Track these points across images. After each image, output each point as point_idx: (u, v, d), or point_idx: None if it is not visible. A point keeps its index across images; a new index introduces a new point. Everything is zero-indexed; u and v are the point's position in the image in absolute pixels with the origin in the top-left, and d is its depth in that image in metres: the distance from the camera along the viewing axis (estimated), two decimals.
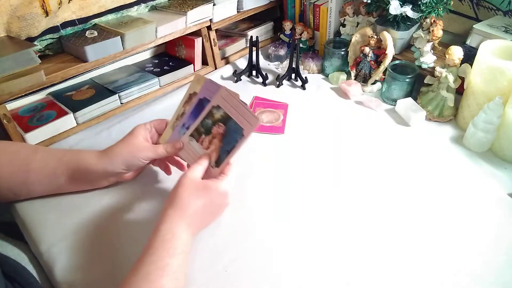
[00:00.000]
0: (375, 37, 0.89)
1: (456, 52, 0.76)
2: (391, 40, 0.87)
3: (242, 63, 1.05)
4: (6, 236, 0.61)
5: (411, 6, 0.84)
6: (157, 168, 0.71)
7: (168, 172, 0.69)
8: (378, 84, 0.92)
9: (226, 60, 1.06)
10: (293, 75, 0.99)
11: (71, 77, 0.84)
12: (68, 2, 0.80)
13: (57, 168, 0.61)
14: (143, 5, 0.94)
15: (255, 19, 1.12)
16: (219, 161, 0.60)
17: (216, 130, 0.60)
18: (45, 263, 0.57)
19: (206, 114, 0.60)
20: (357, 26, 0.98)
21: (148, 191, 0.68)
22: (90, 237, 0.60)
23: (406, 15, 0.85)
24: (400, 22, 0.89)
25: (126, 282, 0.46)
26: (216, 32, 1.01)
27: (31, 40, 0.77)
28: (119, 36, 0.81)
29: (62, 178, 0.62)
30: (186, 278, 0.50)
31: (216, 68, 1.04)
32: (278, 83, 0.97)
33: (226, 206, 0.60)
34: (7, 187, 0.61)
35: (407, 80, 0.84)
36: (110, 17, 0.89)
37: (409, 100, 0.83)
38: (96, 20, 0.87)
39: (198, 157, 0.60)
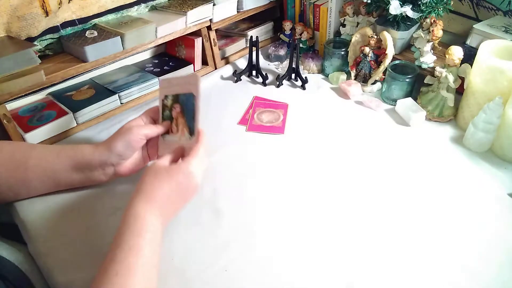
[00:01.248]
0: (375, 37, 0.89)
1: (456, 52, 0.76)
2: (391, 40, 0.87)
3: (242, 63, 1.05)
4: (1, 236, 0.61)
5: (411, 6, 0.84)
6: None
7: None
8: (378, 84, 0.92)
9: (226, 60, 1.06)
10: (293, 75, 0.99)
11: (71, 77, 0.84)
12: (68, 2, 0.80)
13: (55, 163, 0.62)
14: (143, 5, 0.94)
15: (255, 19, 1.12)
16: (191, 131, 0.61)
17: (175, 112, 0.64)
18: (44, 263, 0.57)
19: (162, 108, 0.65)
20: (357, 26, 0.98)
21: None
22: (90, 237, 0.60)
23: (406, 15, 0.85)
24: (400, 22, 0.89)
25: (103, 268, 0.46)
26: (216, 32, 1.01)
27: (31, 40, 0.77)
28: (119, 36, 0.81)
29: (60, 174, 0.62)
30: (157, 259, 0.50)
31: (216, 68, 1.04)
32: (278, 83, 0.97)
33: (195, 188, 0.57)
34: (7, 186, 0.61)
35: (407, 80, 0.84)
36: (110, 17, 0.89)
37: (409, 100, 0.83)
38: (96, 20, 0.87)
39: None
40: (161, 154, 0.65)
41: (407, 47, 0.94)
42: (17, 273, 0.54)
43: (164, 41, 0.91)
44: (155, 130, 0.65)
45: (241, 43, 1.09)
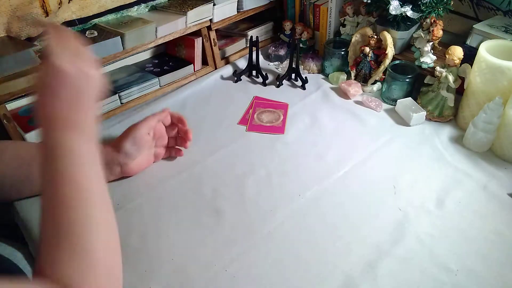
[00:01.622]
0: (375, 37, 0.89)
1: (456, 52, 0.76)
2: (391, 40, 0.87)
3: (242, 63, 1.05)
4: (2, 237, 0.61)
5: (411, 6, 0.84)
6: (159, 168, 0.71)
7: (179, 153, 0.74)
8: (378, 84, 0.92)
9: (226, 60, 1.06)
10: (293, 75, 0.99)
11: None
12: (68, 2, 0.80)
13: None
14: (143, 5, 0.94)
15: (255, 19, 1.12)
16: None
17: None
18: None
19: None
20: (357, 26, 0.98)
21: (148, 189, 0.68)
22: None
23: (406, 15, 0.85)
24: (400, 22, 0.89)
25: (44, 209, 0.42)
26: (216, 32, 1.01)
27: (31, 40, 0.77)
28: (119, 36, 0.81)
29: None
30: (99, 175, 0.44)
31: (216, 68, 1.04)
32: (278, 83, 0.97)
33: (74, 73, 0.43)
34: (10, 184, 0.61)
35: (407, 80, 0.84)
36: (110, 17, 0.89)
37: (409, 100, 0.83)
38: (96, 20, 0.87)
39: None
40: None
41: (407, 47, 0.94)
42: (17, 272, 0.54)
43: (164, 41, 0.91)
44: (155, 118, 0.68)
45: (241, 43, 1.09)
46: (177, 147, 0.75)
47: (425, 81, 0.85)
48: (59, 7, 0.78)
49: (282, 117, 0.85)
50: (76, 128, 0.43)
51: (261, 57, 1.02)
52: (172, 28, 0.90)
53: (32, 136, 0.76)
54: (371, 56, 0.90)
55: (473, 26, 0.83)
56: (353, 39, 0.93)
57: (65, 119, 0.43)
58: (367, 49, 0.89)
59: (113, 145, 0.65)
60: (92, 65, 0.45)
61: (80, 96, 0.44)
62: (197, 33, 0.97)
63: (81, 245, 0.39)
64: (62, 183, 0.41)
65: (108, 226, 0.42)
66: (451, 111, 0.81)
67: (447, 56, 0.77)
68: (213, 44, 1.00)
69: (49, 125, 0.42)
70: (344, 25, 1.00)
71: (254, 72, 1.00)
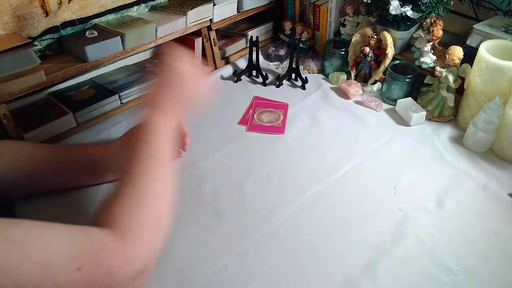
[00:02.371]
0: (375, 37, 0.89)
1: (456, 52, 0.76)
2: (391, 40, 0.87)
3: (242, 63, 1.05)
4: None
5: (411, 6, 0.84)
6: None
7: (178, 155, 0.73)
8: (378, 84, 0.92)
9: (226, 60, 1.06)
10: (293, 75, 0.99)
11: (71, 77, 0.84)
12: (68, 2, 0.80)
13: (62, 160, 0.62)
14: (143, 5, 0.94)
15: (255, 19, 1.12)
16: None
17: None
18: None
19: None
20: (357, 26, 0.98)
21: None
22: None
23: (406, 15, 0.85)
24: (400, 22, 0.89)
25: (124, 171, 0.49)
26: (216, 32, 1.01)
27: (31, 40, 0.77)
28: (119, 36, 0.81)
29: (67, 171, 0.62)
30: (170, 154, 0.52)
31: (216, 68, 1.04)
32: (278, 83, 0.97)
33: (186, 74, 0.59)
34: (10, 184, 0.61)
35: (407, 80, 0.84)
36: (110, 17, 0.89)
37: (409, 100, 0.83)
38: (96, 20, 0.87)
39: None
40: None
41: (407, 47, 0.94)
42: None
43: (164, 41, 0.91)
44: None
45: (241, 43, 1.09)
46: (176, 148, 0.75)
47: (425, 81, 0.85)
48: (59, 7, 0.78)
49: (282, 117, 0.85)
50: (169, 115, 0.55)
51: (261, 57, 1.02)
52: (172, 28, 0.90)
53: (32, 136, 0.76)
54: (371, 56, 0.90)
55: (473, 26, 0.83)
56: (353, 39, 0.93)
57: (164, 105, 0.56)
58: (367, 49, 0.89)
59: (117, 144, 0.64)
60: (198, 72, 0.60)
61: (181, 92, 0.58)
62: (197, 33, 0.97)
63: (142, 200, 0.46)
64: (142, 145, 0.50)
65: (166, 190, 0.49)
66: (451, 111, 0.81)
67: (447, 56, 0.77)
68: (213, 44, 1.00)
69: (152, 106, 0.55)
70: (344, 25, 1.00)
71: (254, 72, 1.00)
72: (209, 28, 0.98)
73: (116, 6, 0.89)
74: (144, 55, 1.02)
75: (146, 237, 0.44)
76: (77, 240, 0.39)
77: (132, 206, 0.45)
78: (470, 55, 0.78)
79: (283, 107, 0.89)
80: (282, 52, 1.05)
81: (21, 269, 0.33)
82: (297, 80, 0.98)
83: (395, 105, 0.86)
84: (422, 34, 0.85)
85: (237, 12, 1.03)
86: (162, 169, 0.50)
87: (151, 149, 0.50)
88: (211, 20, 0.97)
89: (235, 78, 0.99)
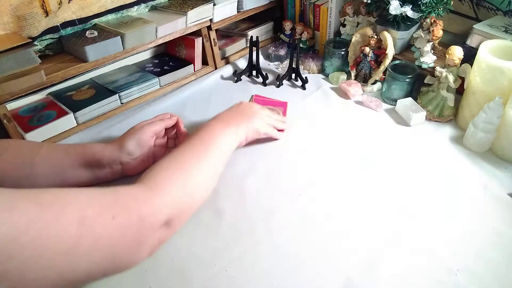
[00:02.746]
0: (375, 37, 0.89)
1: (456, 52, 0.76)
2: (391, 40, 0.87)
3: (242, 63, 1.05)
4: None
5: (411, 6, 0.84)
6: None
7: None
8: (378, 84, 0.92)
9: (226, 60, 1.06)
10: (293, 75, 0.99)
11: (71, 77, 0.84)
12: (68, 2, 0.80)
13: (63, 159, 0.62)
14: (143, 5, 0.94)
15: (255, 19, 1.12)
16: None
17: None
18: None
19: None
20: (357, 26, 0.98)
21: None
22: None
23: (406, 15, 0.85)
24: (400, 22, 0.89)
25: (160, 164, 0.52)
26: (216, 32, 1.01)
27: (31, 40, 0.77)
28: (119, 36, 0.81)
29: (68, 171, 0.63)
30: (221, 166, 0.60)
31: (216, 68, 1.04)
32: (278, 83, 0.97)
33: (256, 111, 0.73)
34: (11, 183, 0.61)
35: (407, 80, 0.84)
36: (110, 17, 0.89)
37: (409, 100, 0.83)
38: (96, 20, 0.87)
39: None
40: None
41: (407, 47, 0.94)
42: None
43: (164, 41, 0.91)
44: (162, 124, 0.70)
45: (241, 43, 1.09)
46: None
47: (425, 81, 0.85)
48: (59, 7, 0.78)
49: (281, 115, 0.85)
50: (230, 128, 0.64)
51: (261, 57, 1.03)
52: (172, 28, 0.90)
53: (32, 136, 0.77)
54: (371, 56, 0.90)
55: (473, 26, 0.83)
56: (353, 39, 0.93)
57: (228, 121, 0.66)
58: (367, 49, 0.89)
59: (117, 143, 0.65)
60: (261, 117, 0.73)
61: (243, 115, 0.70)
62: (197, 33, 0.97)
63: (182, 166, 0.52)
64: (200, 138, 0.59)
65: (207, 171, 0.56)
66: (451, 111, 0.81)
67: (447, 56, 0.77)
68: (213, 44, 1.00)
69: (215, 118, 0.66)
70: (344, 25, 1.00)
71: (254, 72, 1.01)
72: (209, 28, 0.98)
73: (116, 6, 0.89)
74: (144, 55, 1.02)
75: (175, 190, 0.49)
76: (107, 194, 0.42)
77: (169, 167, 0.51)
78: (470, 55, 0.78)
79: (282, 105, 0.89)
80: (282, 52, 1.05)
81: (59, 227, 0.35)
82: (297, 80, 0.98)
83: (395, 105, 0.86)
84: (422, 34, 0.85)
85: (237, 12, 1.03)
86: (211, 154, 0.57)
87: (205, 140, 0.59)
88: (211, 20, 0.97)
89: (235, 78, 0.99)
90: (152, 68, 0.98)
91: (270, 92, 0.95)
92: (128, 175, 0.68)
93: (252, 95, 0.93)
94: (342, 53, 0.96)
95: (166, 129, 0.73)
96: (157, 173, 0.50)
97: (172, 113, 0.74)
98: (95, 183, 0.66)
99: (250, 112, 0.71)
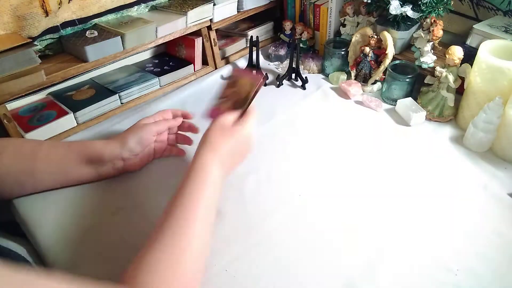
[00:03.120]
0: (375, 37, 0.89)
1: (456, 52, 0.76)
2: (391, 40, 0.87)
3: (242, 63, 1.05)
4: (4, 232, 0.61)
5: (411, 6, 0.84)
6: (159, 164, 0.71)
7: (181, 153, 0.75)
8: (378, 84, 0.92)
9: (226, 60, 1.06)
10: (293, 75, 0.99)
11: (71, 77, 0.84)
12: (68, 2, 0.80)
13: (66, 155, 0.63)
14: (143, 5, 0.94)
15: (255, 19, 1.12)
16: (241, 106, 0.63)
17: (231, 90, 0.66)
18: (45, 260, 0.57)
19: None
20: (357, 26, 0.98)
21: (149, 186, 0.68)
22: (91, 232, 0.60)
23: (406, 15, 0.85)
24: (400, 22, 0.89)
25: (164, 213, 0.49)
26: (216, 32, 1.01)
27: (31, 40, 0.77)
28: (119, 36, 0.81)
29: (70, 167, 0.63)
30: (214, 211, 0.54)
31: (216, 68, 1.04)
32: (278, 83, 0.97)
33: (250, 148, 0.62)
34: (13, 181, 0.61)
35: (407, 80, 0.84)
36: (110, 17, 0.89)
37: (409, 100, 0.83)
38: (96, 20, 0.87)
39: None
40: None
41: (407, 47, 0.94)
42: (23, 263, 0.55)
43: (164, 41, 0.91)
44: (166, 125, 0.70)
45: (241, 43, 1.09)
46: (178, 145, 0.75)
47: (425, 81, 0.85)
48: (59, 7, 0.78)
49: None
50: (224, 169, 0.56)
51: (261, 57, 1.03)
52: (172, 28, 0.90)
53: (32, 136, 0.76)
54: (371, 56, 0.90)
55: (473, 26, 0.83)
56: (353, 39, 0.93)
57: (224, 159, 0.56)
58: (367, 49, 0.89)
59: (119, 140, 0.65)
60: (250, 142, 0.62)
61: (242, 156, 0.61)
62: (197, 33, 0.97)
63: (174, 257, 0.44)
64: (181, 195, 0.51)
65: (203, 244, 0.49)
66: (451, 111, 0.81)
67: (447, 56, 0.77)
68: (213, 44, 1.00)
69: (213, 151, 0.55)
70: (344, 25, 1.00)
71: (254, 72, 1.00)
72: (209, 28, 0.98)
73: (116, 6, 0.89)
74: (144, 55, 1.02)
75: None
76: None
77: (160, 263, 0.43)
78: (470, 55, 0.78)
79: (258, 78, 0.75)
80: (282, 52, 1.05)
81: None
82: (297, 80, 0.98)
83: (395, 105, 0.86)
84: (422, 34, 0.85)
85: (237, 12, 1.03)
86: (201, 225, 0.49)
87: (198, 200, 0.51)
88: (211, 20, 0.97)
89: None
90: (152, 68, 0.98)
91: (270, 92, 0.95)
92: (130, 170, 0.68)
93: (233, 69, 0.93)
94: (342, 53, 0.96)
95: None
96: (149, 271, 0.42)
97: (173, 110, 0.74)
98: (98, 179, 0.67)
99: (249, 149, 0.63)
